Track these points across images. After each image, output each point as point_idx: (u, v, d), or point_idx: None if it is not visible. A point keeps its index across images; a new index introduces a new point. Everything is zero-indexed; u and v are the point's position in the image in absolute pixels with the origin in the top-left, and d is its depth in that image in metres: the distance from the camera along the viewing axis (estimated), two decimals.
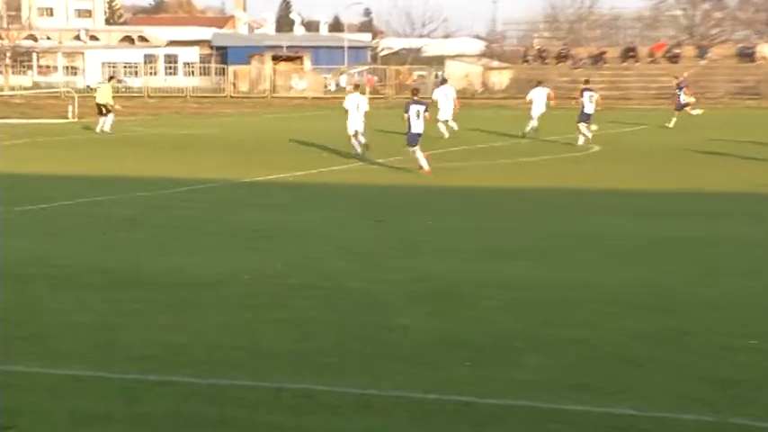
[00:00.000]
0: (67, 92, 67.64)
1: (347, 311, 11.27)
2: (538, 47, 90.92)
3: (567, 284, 12.65)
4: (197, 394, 8.44)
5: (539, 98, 38.79)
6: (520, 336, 10.25)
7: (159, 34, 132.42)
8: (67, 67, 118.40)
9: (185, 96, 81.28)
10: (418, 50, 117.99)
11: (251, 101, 76.29)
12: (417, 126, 26.14)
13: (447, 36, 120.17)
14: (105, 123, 41.03)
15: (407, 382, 8.74)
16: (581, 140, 34.28)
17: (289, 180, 25.03)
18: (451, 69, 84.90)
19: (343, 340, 10.09)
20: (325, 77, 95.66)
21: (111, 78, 46.57)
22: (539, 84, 40.49)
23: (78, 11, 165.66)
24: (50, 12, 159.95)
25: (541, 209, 20.02)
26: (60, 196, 21.37)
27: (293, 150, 33.19)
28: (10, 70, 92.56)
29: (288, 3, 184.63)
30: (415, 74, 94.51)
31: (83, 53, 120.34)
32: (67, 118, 51.42)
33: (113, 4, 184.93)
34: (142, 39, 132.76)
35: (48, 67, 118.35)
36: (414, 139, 26.16)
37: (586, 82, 37.23)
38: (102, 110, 41.25)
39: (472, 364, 9.32)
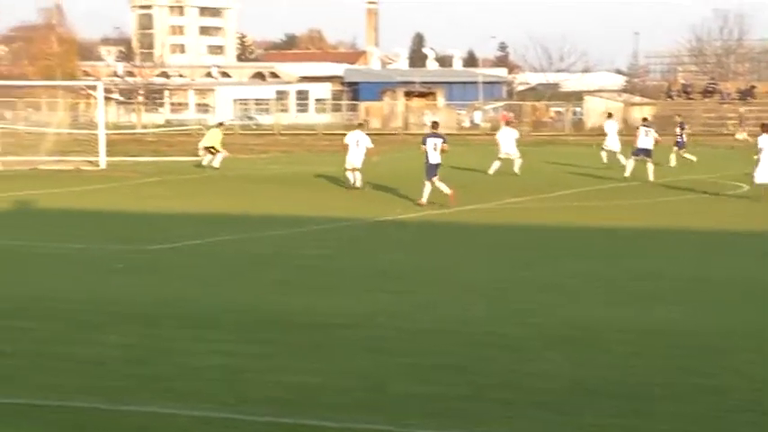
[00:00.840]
0: (199, 129, 69.11)
1: (484, 356, 11.22)
2: (682, 81, 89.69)
3: (707, 330, 12.42)
4: None
5: (612, 130, 42.61)
6: (658, 383, 10.10)
7: (290, 70, 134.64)
8: (199, 105, 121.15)
9: (317, 133, 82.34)
10: (555, 85, 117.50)
11: (383, 138, 76.89)
12: (434, 158, 27.90)
13: (586, 70, 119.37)
14: (214, 160, 42.13)
15: (549, 431, 8.66)
16: (627, 171, 36.98)
17: (422, 219, 25.10)
18: (590, 105, 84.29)
19: (480, 385, 10.05)
20: (459, 113, 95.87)
21: (220, 124, 47.88)
22: (610, 116, 43.95)
23: (210, 47, 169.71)
24: (182, 48, 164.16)
25: (678, 250, 19.68)
26: (190, 235, 21.80)
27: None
28: (143, 108, 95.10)
29: (421, 37, 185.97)
30: (552, 110, 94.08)
31: (214, 90, 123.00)
32: (198, 156, 52.55)
33: (245, 40, 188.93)
34: (273, 75, 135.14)
35: (179, 104, 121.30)
36: (432, 171, 27.88)
37: (644, 119, 40.99)
38: (210, 151, 42.73)
39: (614, 411, 9.20)
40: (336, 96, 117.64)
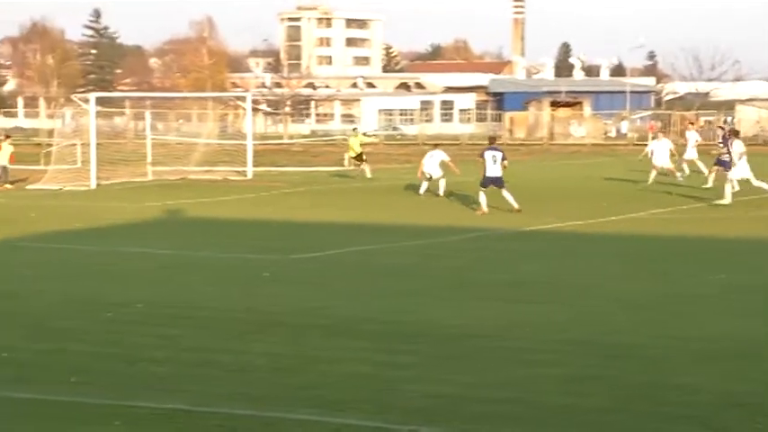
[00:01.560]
0: (344, 139, 69.87)
1: (628, 368, 11.10)
2: None
3: None
4: None
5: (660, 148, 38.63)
6: None
7: (435, 81, 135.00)
8: (344, 115, 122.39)
9: (460, 143, 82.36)
10: (706, 95, 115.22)
11: (527, 147, 76.52)
12: (492, 170, 28.92)
13: (738, 79, 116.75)
14: (366, 171, 42.43)
15: None
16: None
17: (564, 229, 24.91)
18: (742, 115, 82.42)
19: (625, 398, 9.95)
20: (606, 123, 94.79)
21: (354, 129, 48.60)
22: (659, 134, 41.34)
23: (356, 58, 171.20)
24: (329, 60, 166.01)
25: None
26: (332, 244, 22.04)
27: (568, 199, 33.03)
28: (289, 118, 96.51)
29: (568, 47, 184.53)
30: (702, 119, 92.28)
31: (359, 100, 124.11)
32: (344, 166, 53.13)
33: (390, 51, 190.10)
34: (418, 85, 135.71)
35: (325, 114, 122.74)
36: (486, 183, 28.88)
37: (691, 123, 41.69)
38: (357, 161, 42.98)
39: (762, 427, 9.00)
40: (481, 106, 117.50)
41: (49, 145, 48.79)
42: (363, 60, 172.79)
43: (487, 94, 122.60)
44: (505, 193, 28.82)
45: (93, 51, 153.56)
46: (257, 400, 9.93)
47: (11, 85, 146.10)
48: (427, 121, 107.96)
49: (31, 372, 10.95)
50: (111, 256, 20.37)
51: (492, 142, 30.84)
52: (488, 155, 29.27)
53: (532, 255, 20.68)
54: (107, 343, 12.37)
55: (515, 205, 28.43)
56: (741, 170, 31.54)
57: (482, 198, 28.84)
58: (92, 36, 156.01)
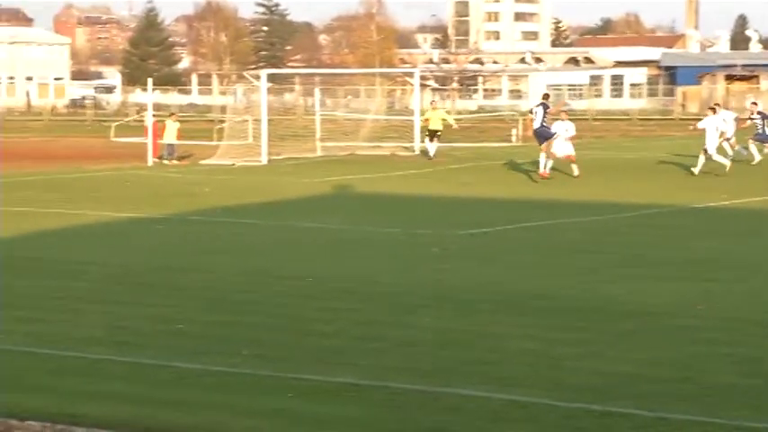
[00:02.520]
0: (512, 116, 69.48)
1: None
2: None
3: None
4: (644, 427, 8.38)
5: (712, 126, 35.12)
6: None
7: (605, 55, 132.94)
8: (512, 91, 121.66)
9: (631, 119, 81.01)
10: None
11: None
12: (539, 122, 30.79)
13: None
14: (429, 149, 41.75)
15: None
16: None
17: (739, 206, 24.25)
18: None
19: None
20: None
21: (432, 102, 47.01)
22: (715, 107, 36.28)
23: (524, 33, 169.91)
24: (497, 35, 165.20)
25: None
26: (502, 220, 21.96)
27: (743, 175, 32.11)
28: (457, 94, 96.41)
29: (744, 19, 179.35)
30: None
31: (527, 76, 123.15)
32: (511, 142, 52.81)
33: (559, 25, 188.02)
34: (588, 60, 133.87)
35: (493, 90, 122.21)
36: (542, 136, 30.65)
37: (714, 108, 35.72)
38: (432, 135, 42.00)
39: None
40: (652, 81, 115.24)
41: (222, 121, 49.88)
42: (531, 35, 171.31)
43: (659, 68, 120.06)
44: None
45: (265, 29, 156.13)
46: (425, 374, 9.96)
47: (185, 63, 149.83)
48: (597, 96, 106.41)
49: (206, 343, 11.21)
50: (283, 231, 20.70)
51: (545, 98, 32.77)
52: (538, 111, 31.20)
53: (706, 232, 20.21)
54: (279, 316, 12.58)
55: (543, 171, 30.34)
56: None
57: (542, 158, 30.54)
58: (263, 13, 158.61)
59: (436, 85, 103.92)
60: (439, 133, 42.07)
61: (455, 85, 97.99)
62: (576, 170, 31.37)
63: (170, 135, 41.26)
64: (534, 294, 13.83)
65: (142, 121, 50.04)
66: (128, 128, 58.41)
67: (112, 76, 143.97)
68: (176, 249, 18.17)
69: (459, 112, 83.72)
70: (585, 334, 11.57)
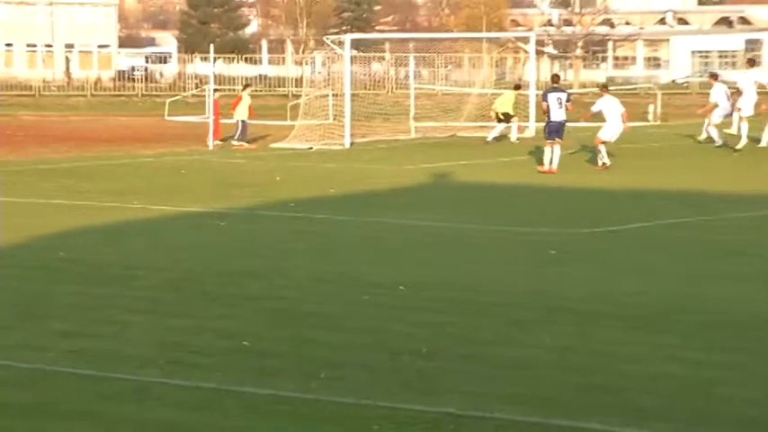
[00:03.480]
0: (648, 88, 68.93)
1: None
2: None
3: None
4: None
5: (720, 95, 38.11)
6: None
7: (765, 15, 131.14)
8: (648, 59, 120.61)
9: None
10: None
11: None
12: (558, 115, 30.37)
13: None
14: (511, 131, 41.46)
15: None
16: None
17: None
18: None
19: None
20: None
21: (517, 87, 45.73)
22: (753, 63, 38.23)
23: None
24: None
25: None
26: (638, 216, 21.78)
27: None
28: (581, 63, 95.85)
29: None
30: None
31: (668, 40, 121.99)
32: (647, 120, 52.39)
33: None
34: (743, 20, 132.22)
35: (625, 58, 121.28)
36: (552, 129, 30.16)
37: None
38: (500, 119, 41.71)
39: None
40: None
41: (297, 96, 50.25)
42: None
43: None
44: (556, 150, 30.07)
45: None
46: (541, 403, 9.91)
47: (253, 27, 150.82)
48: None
49: (277, 363, 11.26)
50: (369, 228, 20.77)
51: (555, 81, 33.04)
52: (552, 98, 30.62)
53: None
54: (363, 331, 12.60)
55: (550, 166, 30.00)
56: None
57: (553, 151, 30.14)
58: None
59: (555, 53, 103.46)
60: (512, 117, 42.26)
61: (579, 52, 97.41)
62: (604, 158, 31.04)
63: (242, 111, 41.35)
64: (677, 307, 13.69)
65: (202, 96, 50.59)
66: (185, 105, 59.16)
67: (167, 42, 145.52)
68: (241, 250, 18.30)
69: (584, 86, 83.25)
70: (742, 355, 11.45)
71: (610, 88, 36.81)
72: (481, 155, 36.18)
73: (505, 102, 42.93)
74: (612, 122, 31.50)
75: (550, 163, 30.25)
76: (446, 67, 77.91)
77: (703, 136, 39.33)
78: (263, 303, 14.13)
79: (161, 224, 21.57)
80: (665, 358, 11.36)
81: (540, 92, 42.58)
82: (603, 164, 30.87)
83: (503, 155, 36.13)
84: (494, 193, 26.73)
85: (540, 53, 74.64)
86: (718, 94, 38.42)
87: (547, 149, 30.36)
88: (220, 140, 40.71)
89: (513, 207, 23.89)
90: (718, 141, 37.49)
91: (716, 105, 38.13)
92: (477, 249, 18.36)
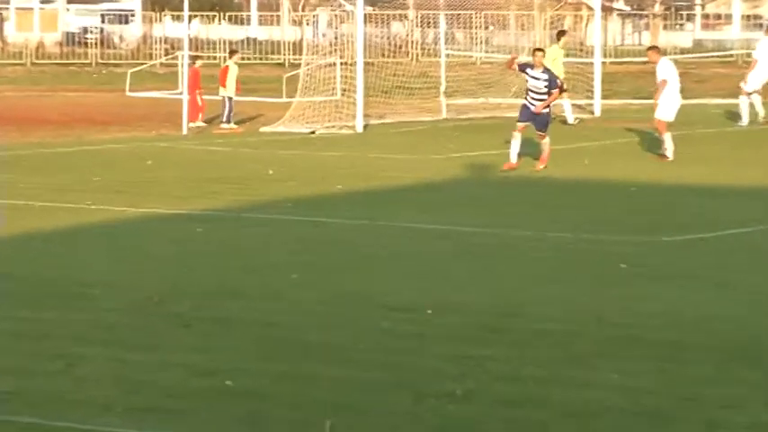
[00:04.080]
0: (747, 55, 68.72)
1: None
2: None
3: None
4: None
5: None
6: None
7: None
8: (748, 17, 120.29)
9: None
10: None
11: None
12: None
13: None
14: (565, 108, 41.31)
15: None
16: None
17: None
18: None
19: None
20: None
21: (560, 35, 45.34)
22: None
23: None
24: None
25: None
26: (726, 219, 21.88)
27: None
28: (660, 23, 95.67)
29: None
30: None
31: None
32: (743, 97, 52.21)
33: None
34: None
35: (717, 17, 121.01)
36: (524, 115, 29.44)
37: None
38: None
39: None
40: None
41: (295, 66, 50.27)
42: None
43: None
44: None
45: None
46: None
47: None
48: None
49: (268, 408, 11.27)
50: (386, 235, 20.76)
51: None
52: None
53: None
54: (379, 366, 12.61)
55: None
56: None
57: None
58: None
59: (628, 9, 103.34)
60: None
61: (658, 8, 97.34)
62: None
63: (231, 85, 41.43)
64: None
65: (174, 65, 50.64)
66: (152, 76, 59.18)
67: None
68: (223, 263, 18.33)
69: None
70: None
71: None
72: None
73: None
74: (673, 95, 31.35)
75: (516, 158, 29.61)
76: (486, 28, 77.80)
77: None
78: (250, 331, 14.15)
79: (122, 230, 21.60)
80: (765, 403, 11.37)
81: (608, 59, 42.72)
82: (664, 156, 30.66)
83: (557, 141, 36.06)
84: (545, 191, 26.68)
85: (607, 10, 74.55)
86: None
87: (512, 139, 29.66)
88: (202, 122, 40.78)
89: (571, 208, 23.84)
90: None
91: None
92: (524, 262, 18.36)
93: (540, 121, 29.48)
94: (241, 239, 20.48)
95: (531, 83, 29.37)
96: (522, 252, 19.19)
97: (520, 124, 29.43)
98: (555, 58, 40.93)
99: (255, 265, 18.20)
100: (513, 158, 29.24)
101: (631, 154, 31.60)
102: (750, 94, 39.97)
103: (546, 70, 29.89)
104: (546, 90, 29.14)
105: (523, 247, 19.62)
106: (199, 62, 42.90)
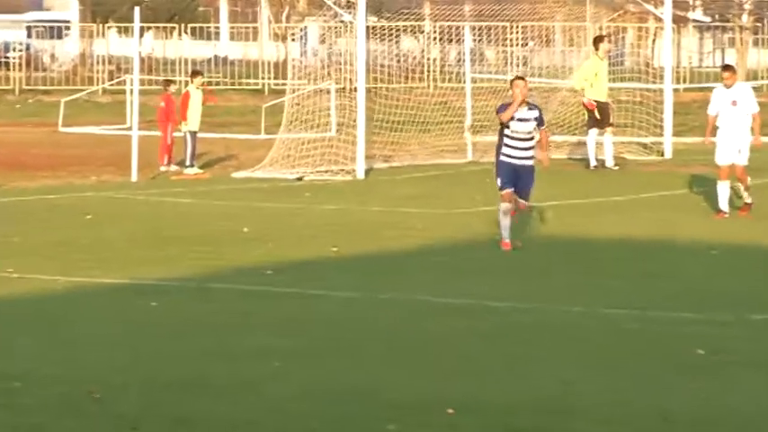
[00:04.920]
0: None
1: None
2: None
3: None
4: None
5: None
6: None
7: None
8: None
9: None
10: None
11: None
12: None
13: None
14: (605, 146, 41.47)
15: None
16: None
17: None
18: None
19: None
20: None
21: (598, 41, 45.20)
22: None
23: None
24: None
25: None
26: None
27: None
28: (749, 38, 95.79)
29: None
30: None
31: None
32: None
33: None
34: None
35: None
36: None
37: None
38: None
39: None
40: None
41: (278, 93, 50.36)
42: None
43: None
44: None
45: None
46: None
47: None
48: None
49: None
50: (394, 312, 20.82)
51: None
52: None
53: None
54: None
55: None
56: None
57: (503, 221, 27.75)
58: None
59: (707, 21, 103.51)
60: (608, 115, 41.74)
61: (746, 19, 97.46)
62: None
63: (194, 116, 41.61)
64: None
65: (121, 92, 50.80)
66: (93, 107, 59.29)
67: (63, 6, 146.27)
68: (183, 348, 18.40)
69: (755, 75, 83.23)
70: None
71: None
72: (582, 187, 36.28)
73: (586, 76, 41.45)
74: (729, 133, 31.17)
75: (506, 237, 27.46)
76: (525, 44, 78.08)
77: None
78: None
79: (52, 304, 21.66)
80: None
81: (681, 85, 42.79)
82: (721, 213, 31.09)
83: (616, 190, 36.19)
84: (600, 255, 26.76)
85: (681, 21, 74.80)
86: None
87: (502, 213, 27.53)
88: (175, 165, 40.95)
89: (631, 277, 23.90)
90: None
91: None
92: (573, 347, 18.41)
93: (530, 180, 27.64)
94: (207, 317, 20.54)
95: (517, 127, 27.11)
96: (570, 333, 19.25)
97: (508, 189, 27.31)
98: (596, 73, 40.95)
99: (224, 350, 18.24)
100: (507, 237, 27.24)
101: (711, 207, 31.67)
102: None
103: (533, 105, 27.89)
104: (533, 130, 27.21)
105: (571, 327, 19.68)
106: (173, 87, 43.03)
